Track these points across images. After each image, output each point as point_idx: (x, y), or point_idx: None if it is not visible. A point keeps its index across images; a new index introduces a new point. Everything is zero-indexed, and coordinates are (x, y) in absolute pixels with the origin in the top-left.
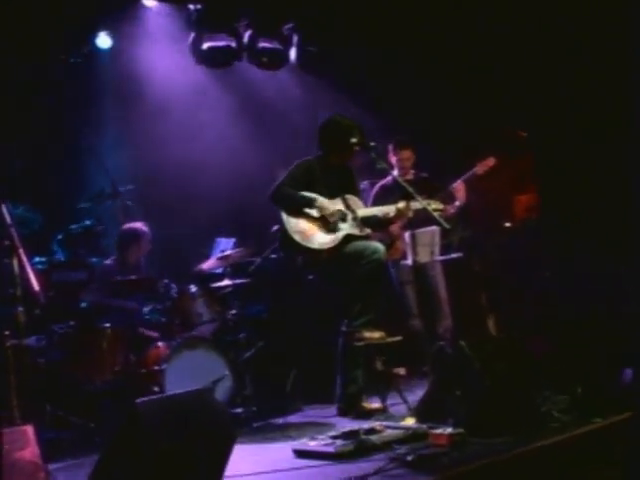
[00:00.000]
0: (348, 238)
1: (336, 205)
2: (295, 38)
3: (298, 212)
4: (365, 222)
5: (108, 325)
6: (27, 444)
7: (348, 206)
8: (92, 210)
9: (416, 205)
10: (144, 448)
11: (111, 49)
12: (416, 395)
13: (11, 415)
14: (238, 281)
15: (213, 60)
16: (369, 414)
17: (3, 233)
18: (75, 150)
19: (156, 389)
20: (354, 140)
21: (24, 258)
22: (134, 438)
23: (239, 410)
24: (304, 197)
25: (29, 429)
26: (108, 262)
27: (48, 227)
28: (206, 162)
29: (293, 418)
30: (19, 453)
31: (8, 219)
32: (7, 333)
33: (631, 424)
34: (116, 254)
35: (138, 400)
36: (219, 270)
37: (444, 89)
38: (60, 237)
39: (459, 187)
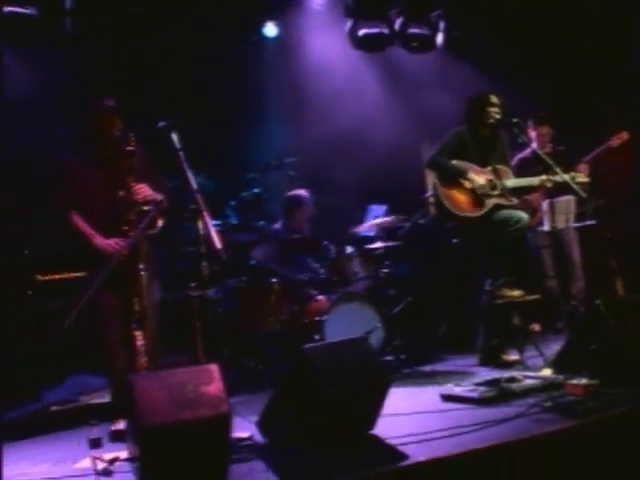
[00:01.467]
0: (496, 207)
1: (487, 175)
2: (442, 24)
3: (451, 181)
4: (512, 192)
5: (274, 281)
6: (212, 380)
7: (498, 176)
8: (260, 179)
9: (559, 178)
10: (313, 389)
11: (277, 38)
12: (551, 349)
13: (197, 356)
14: (389, 243)
15: (368, 45)
16: (508, 365)
17: (190, 198)
18: (244, 127)
19: (317, 337)
20: (498, 116)
21: (208, 220)
22: (304, 379)
23: (390, 358)
24: (457, 167)
25: (214, 367)
26: (277, 226)
27: (222, 194)
28: (360, 137)
29: (438, 366)
30: (205, 388)
31: (194, 185)
32: (193, 285)
33: None
34: (283, 219)
35: (306, 345)
36: (372, 233)
37: (577, 72)
38: (233, 203)
39: (582, 168)
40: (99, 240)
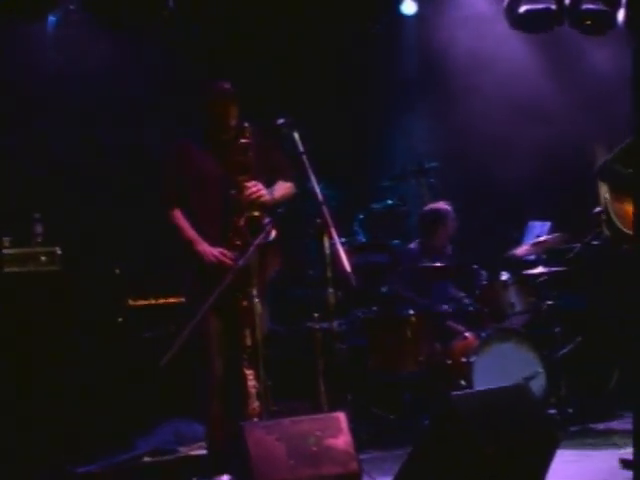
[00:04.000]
0: None
1: None
2: None
3: (625, 193)
4: None
5: (412, 312)
6: (340, 432)
7: None
8: (395, 189)
9: None
10: (462, 447)
11: (416, 16)
12: None
13: (318, 402)
14: (554, 269)
15: (531, 24)
16: None
17: (314, 210)
18: (376, 124)
19: (463, 383)
20: None
21: (336, 237)
22: (449, 435)
23: (554, 412)
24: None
25: (342, 416)
26: (412, 246)
27: (349, 206)
28: (519, 137)
29: (616, 424)
30: (332, 440)
31: (320, 196)
32: (315, 315)
33: None
34: (420, 237)
35: (453, 393)
36: (533, 257)
37: None
38: (361, 217)
39: None
40: (202, 247)
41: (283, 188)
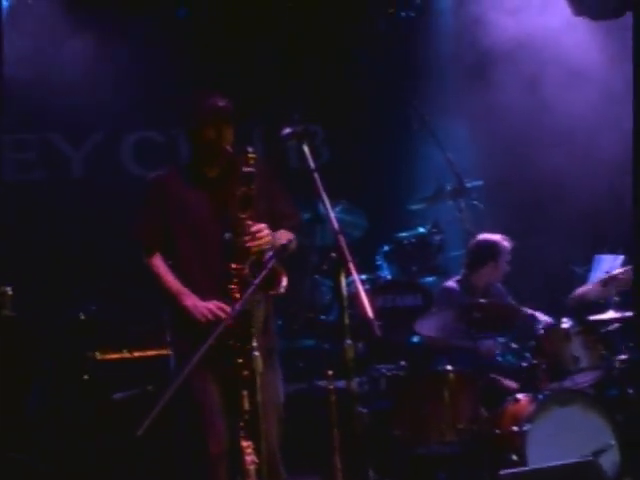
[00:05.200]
0: None
1: None
2: None
3: None
4: None
5: (450, 368)
6: None
7: None
8: (427, 213)
9: None
10: None
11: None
12: None
13: (333, 478)
14: (628, 314)
15: (598, 11)
16: None
17: (328, 241)
18: (403, 132)
19: (514, 458)
20: None
21: (356, 275)
22: None
23: None
24: None
25: None
26: (450, 284)
27: (371, 235)
28: (583, 149)
29: None
30: None
31: (335, 223)
32: (330, 373)
33: None
34: (462, 273)
35: (501, 472)
36: (602, 299)
37: None
38: (387, 249)
39: None
40: (192, 301)
41: (286, 238)
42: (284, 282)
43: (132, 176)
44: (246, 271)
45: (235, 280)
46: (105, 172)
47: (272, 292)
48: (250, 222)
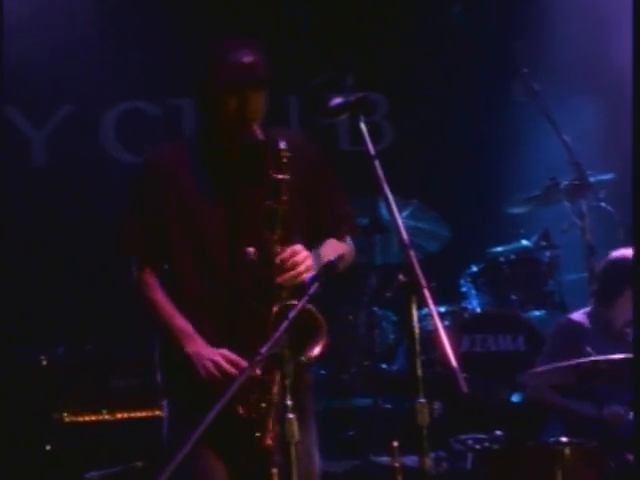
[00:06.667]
0: None
1: None
2: None
3: None
4: None
5: (566, 441)
6: None
7: None
8: (533, 219)
9: None
10: None
11: None
12: None
13: None
14: None
15: None
16: None
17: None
18: (501, 107)
19: None
20: None
21: (433, 307)
22: None
23: None
24: None
25: None
26: (577, 317)
27: (453, 249)
28: None
29: None
30: None
31: (404, 233)
32: (395, 444)
33: None
34: (593, 303)
35: None
36: None
37: None
38: (475, 270)
39: None
40: (195, 346)
41: (336, 250)
42: (320, 344)
43: (115, 164)
44: (271, 317)
45: (254, 322)
46: (76, 159)
47: (300, 356)
48: (279, 246)
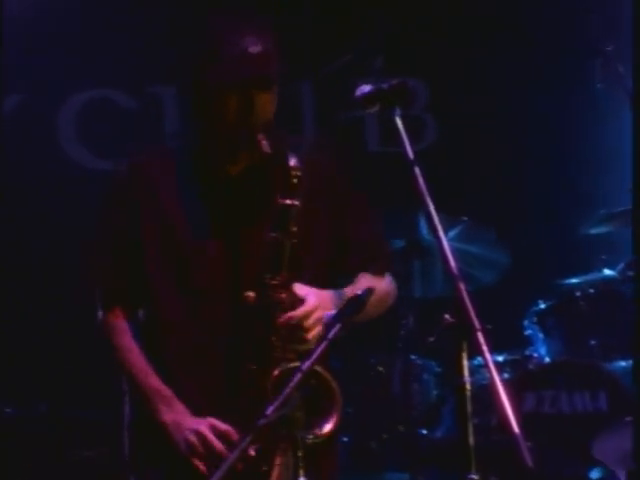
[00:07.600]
0: None
1: None
2: None
3: None
4: None
5: None
6: None
7: None
8: (618, 243)
9: None
10: None
11: None
12: None
13: None
14: None
15: None
16: None
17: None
18: (575, 97)
19: None
20: None
21: (489, 356)
22: None
23: None
24: None
25: None
26: None
27: (515, 281)
28: None
29: None
30: None
31: (451, 260)
32: None
33: None
34: None
35: None
36: None
37: None
38: (543, 307)
39: None
40: (174, 414)
41: (367, 288)
42: (333, 418)
43: (76, 169)
44: (272, 376)
45: (250, 387)
46: (25, 164)
47: (306, 433)
48: (285, 292)
